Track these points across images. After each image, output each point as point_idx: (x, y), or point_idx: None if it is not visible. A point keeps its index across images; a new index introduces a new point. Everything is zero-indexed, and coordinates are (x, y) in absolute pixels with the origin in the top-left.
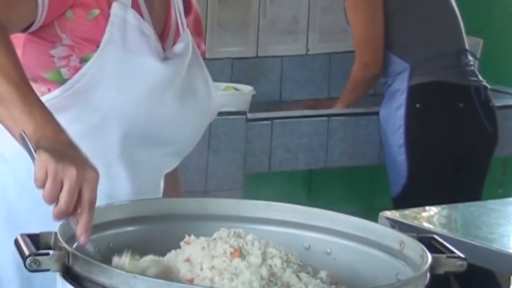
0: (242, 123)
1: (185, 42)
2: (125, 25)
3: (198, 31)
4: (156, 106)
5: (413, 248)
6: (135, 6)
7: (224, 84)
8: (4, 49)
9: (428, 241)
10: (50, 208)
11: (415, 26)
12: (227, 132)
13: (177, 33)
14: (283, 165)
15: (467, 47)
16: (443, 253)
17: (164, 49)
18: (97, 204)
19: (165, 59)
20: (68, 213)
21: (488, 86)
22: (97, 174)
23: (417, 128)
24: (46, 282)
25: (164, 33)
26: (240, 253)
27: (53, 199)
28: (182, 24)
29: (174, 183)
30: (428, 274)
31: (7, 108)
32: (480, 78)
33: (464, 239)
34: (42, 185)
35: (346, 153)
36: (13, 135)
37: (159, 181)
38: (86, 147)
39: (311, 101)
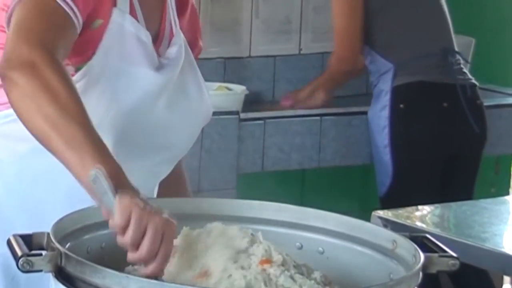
0: (235, 123)
1: (178, 46)
2: (123, 33)
3: (195, 27)
4: (148, 114)
5: (406, 247)
6: (132, 12)
7: (217, 84)
8: (71, 91)
9: (420, 240)
10: (37, 209)
11: (399, 26)
12: (220, 132)
13: (171, 35)
14: (276, 165)
15: (455, 46)
16: (435, 252)
17: (158, 54)
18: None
19: (159, 67)
20: (148, 261)
21: (477, 84)
22: (175, 226)
23: (401, 129)
24: (30, 282)
25: (158, 36)
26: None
27: (137, 245)
28: (176, 25)
29: (178, 185)
30: (421, 274)
31: (78, 153)
32: (468, 76)
33: (456, 238)
34: (122, 231)
35: (339, 153)
36: (81, 178)
37: (152, 189)
38: None
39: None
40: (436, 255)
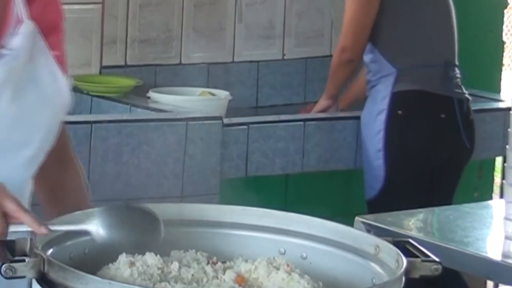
0: (218, 128)
1: (23, 35)
2: None
3: (54, 10)
4: None
5: (388, 252)
6: None
7: (200, 89)
8: None
9: (403, 245)
10: None
11: (407, 31)
12: (203, 137)
13: (18, 24)
14: (259, 170)
15: (456, 59)
16: (418, 257)
17: (1, 45)
18: None
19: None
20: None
21: (470, 98)
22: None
23: (397, 135)
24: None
25: (4, 25)
26: None
27: None
28: (24, 14)
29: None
30: (403, 278)
31: None
32: (463, 90)
33: (439, 243)
34: None
35: (322, 158)
36: None
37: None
38: None
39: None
40: (418, 259)
